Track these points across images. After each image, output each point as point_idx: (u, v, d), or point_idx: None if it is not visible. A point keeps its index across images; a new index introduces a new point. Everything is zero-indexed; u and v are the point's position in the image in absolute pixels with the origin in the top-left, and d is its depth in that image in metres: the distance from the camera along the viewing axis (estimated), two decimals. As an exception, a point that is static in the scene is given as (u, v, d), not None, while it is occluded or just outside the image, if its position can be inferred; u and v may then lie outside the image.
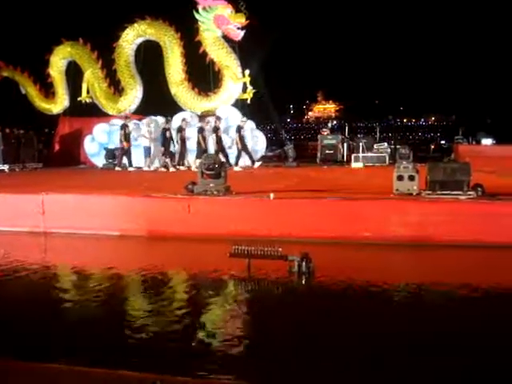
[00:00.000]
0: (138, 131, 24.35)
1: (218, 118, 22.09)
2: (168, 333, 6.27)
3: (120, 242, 11.55)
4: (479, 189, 11.64)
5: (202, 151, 20.75)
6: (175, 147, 22.34)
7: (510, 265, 9.69)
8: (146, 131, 22.69)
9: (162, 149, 21.87)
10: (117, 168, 22.35)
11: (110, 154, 23.76)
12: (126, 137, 22.48)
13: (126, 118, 23.60)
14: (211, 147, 21.66)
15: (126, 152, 22.66)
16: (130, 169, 22.33)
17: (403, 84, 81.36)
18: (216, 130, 21.51)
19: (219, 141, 21.47)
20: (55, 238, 11.96)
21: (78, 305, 7.47)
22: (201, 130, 21.46)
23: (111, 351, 5.72)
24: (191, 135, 22.35)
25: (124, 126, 22.53)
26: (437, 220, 10.89)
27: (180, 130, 22.16)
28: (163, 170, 21.57)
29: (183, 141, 22.00)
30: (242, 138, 21.52)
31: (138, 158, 23.51)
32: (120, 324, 6.66)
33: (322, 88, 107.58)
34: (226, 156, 21.41)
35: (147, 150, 22.58)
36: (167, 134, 22.02)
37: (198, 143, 21.25)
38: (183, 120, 22.64)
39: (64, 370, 4.64)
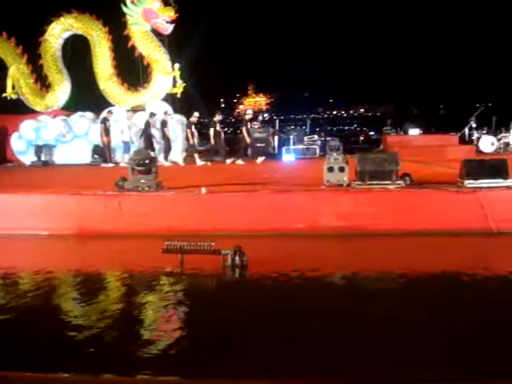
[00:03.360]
0: (66, 128, 23.83)
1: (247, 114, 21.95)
2: (101, 332, 6.18)
3: (49, 241, 11.30)
4: (407, 178, 11.94)
5: (191, 146, 20.68)
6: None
7: (439, 250, 9.98)
8: (126, 125, 21.92)
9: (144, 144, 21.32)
10: (105, 165, 20.73)
11: (39, 151, 23.14)
12: (107, 131, 21.30)
13: (109, 112, 22.50)
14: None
15: (107, 147, 21.48)
16: (110, 165, 20.82)
17: (332, 76, 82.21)
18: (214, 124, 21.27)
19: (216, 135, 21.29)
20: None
21: (2, 307, 7.27)
22: (189, 125, 21.06)
23: (43, 353, 5.60)
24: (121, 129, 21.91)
25: (105, 120, 21.37)
26: (367, 210, 11.10)
27: (164, 124, 21.51)
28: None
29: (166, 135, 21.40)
30: (107, 132, 20.94)
31: (66, 155, 23.07)
32: (51, 325, 6.53)
33: (252, 81, 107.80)
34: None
35: (126, 146, 21.79)
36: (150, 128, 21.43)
37: (187, 138, 20.92)
38: (166, 113, 22.01)
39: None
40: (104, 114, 22.03)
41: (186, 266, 8.70)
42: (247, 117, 21.28)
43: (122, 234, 10.94)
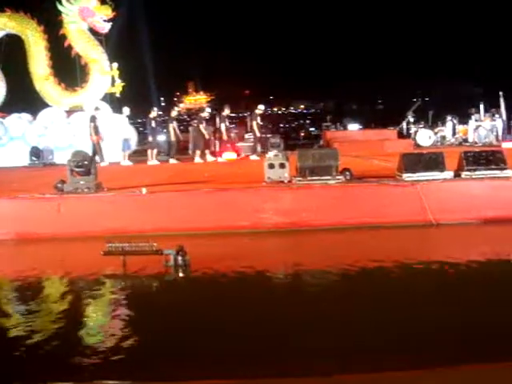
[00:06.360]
0: (2, 130, 23.35)
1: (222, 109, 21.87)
2: (43, 339, 6.04)
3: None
4: (347, 173, 12.09)
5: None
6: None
7: (380, 243, 10.16)
8: (126, 123, 21.32)
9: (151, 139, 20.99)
10: (102, 164, 19.69)
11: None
12: (96, 130, 20.43)
13: (96, 109, 21.71)
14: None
15: (98, 145, 20.57)
16: (103, 164, 19.87)
17: (271, 73, 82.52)
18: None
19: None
20: None
21: None
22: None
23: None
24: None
25: (93, 118, 20.56)
26: (309, 205, 11.20)
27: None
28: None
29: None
30: (96, 130, 20.52)
31: (3, 157, 22.62)
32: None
33: (192, 79, 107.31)
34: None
35: (126, 143, 21.18)
36: (153, 124, 21.03)
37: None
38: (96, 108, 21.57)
39: None
40: (92, 112, 21.28)
41: (128, 268, 8.60)
42: (257, 111, 21.31)
43: (62, 238, 10.72)
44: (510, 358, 4.98)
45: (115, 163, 20.90)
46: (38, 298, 7.71)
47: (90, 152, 19.12)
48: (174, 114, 22.02)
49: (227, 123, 21.16)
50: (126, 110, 21.39)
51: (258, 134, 21.04)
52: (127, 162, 20.81)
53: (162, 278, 8.45)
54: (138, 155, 23.57)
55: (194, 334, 5.98)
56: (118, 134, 21.42)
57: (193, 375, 5.05)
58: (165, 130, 21.81)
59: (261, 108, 21.88)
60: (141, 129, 25.74)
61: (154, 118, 21.12)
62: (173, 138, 20.90)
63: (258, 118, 21.33)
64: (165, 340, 5.91)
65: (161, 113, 27.19)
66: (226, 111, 21.16)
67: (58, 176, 12.61)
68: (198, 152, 20.74)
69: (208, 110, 22.69)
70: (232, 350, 5.52)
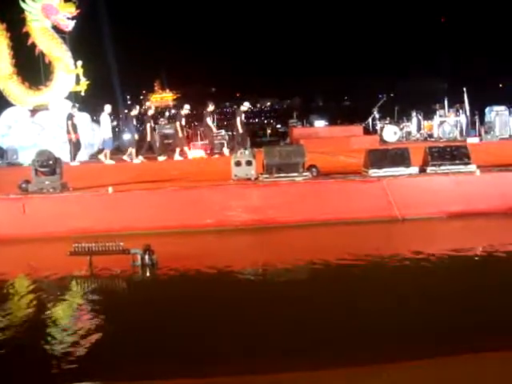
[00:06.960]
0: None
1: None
2: (13, 343, 5.99)
3: None
4: (314, 169, 12.15)
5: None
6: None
7: (347, 239, 10.27)
8: (109, 121, 20.80)
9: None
10: (72, 163, 18.96)
11: None
12: (74, 128, 19.62)
13: (73, 106, 21.01)
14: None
15: (76, 144, 19.74)
16: (73, 163, 19.13)
17: (237, 71, 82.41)
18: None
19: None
20: None
21: None
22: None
23: None
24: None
25: (71, 116, 19.77)
26: (275, 202, 11.23)
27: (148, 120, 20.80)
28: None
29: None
30: (74, 128, 20.05)
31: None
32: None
33: (158, 77, 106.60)
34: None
35: (107, 142, 20.65)
36: (134, 122, 20.54)
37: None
38: (73, 106, 21.11)
39: None
40: (69, 109, 20.72)
41: (95, 268, 8.55)
42: (243, 108, 21.15)
43: (27, 238, 10.54)
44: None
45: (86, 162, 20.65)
46: (2, 300, 7.61)
47: (68, 151, 19.01)
48: (150, 112, 21.79)
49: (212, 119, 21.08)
50: (108, 108, 20.77)
51: (241, 131, 20.90)
52: (110, 161, 20.27)
53: (129, 277, 8.41)
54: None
55: (163, 334, 5.98)
56: (100, 132, 21.09)
57: (166, 375, 5.06)
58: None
59: (246, 105, 21.85)
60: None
61: (136, 116, 20.84)
62: (149, 138, 20.62)
63: (243, 115, 21.24)
64: (132, 340, 5.89)
65: (126, 111, 26.69)
66: (211, 107, 20.98)
67: (22, 176, 12.42)
68: (177, 149, 20.56)
69: (187, 106, 22.35)
70: (202, 349, 5.53)
